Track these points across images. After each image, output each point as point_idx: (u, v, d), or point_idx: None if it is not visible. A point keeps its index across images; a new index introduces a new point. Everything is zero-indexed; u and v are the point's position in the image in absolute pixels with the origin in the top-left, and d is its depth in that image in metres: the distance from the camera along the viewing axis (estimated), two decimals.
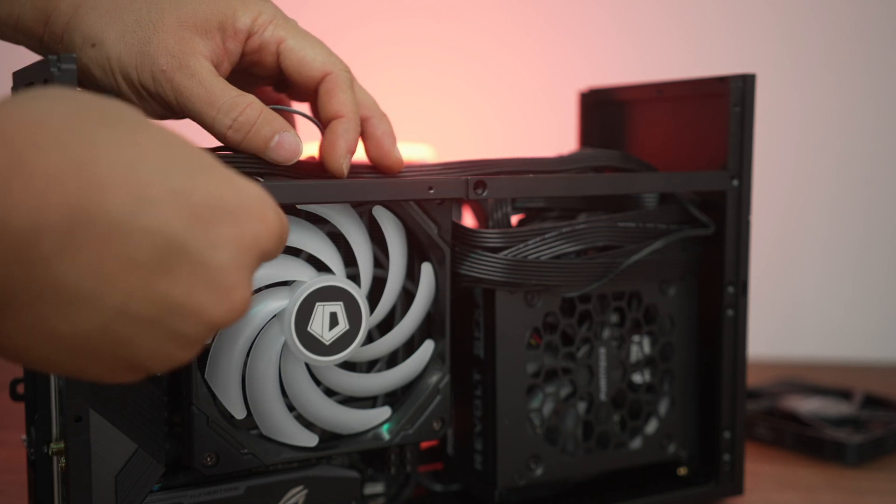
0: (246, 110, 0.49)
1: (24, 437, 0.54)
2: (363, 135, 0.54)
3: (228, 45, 0.51)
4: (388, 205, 0.55)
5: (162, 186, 0.34)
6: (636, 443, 0.64)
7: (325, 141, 0.52)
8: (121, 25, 0.49)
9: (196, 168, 0.35)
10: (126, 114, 0.35)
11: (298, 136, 0.51)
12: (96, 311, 0.33)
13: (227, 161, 0.50)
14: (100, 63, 0.50)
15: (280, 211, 0.39)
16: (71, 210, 0.31)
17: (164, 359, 0.36)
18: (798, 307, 1.14)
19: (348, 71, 0.53)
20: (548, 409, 0.61)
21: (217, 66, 0.51)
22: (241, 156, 0.51)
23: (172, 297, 0.34)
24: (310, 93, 0.54)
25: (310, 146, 0.55)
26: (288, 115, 0.58)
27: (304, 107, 0.60)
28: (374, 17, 1.10)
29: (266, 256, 0.38)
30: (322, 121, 0.53)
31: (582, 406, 0.62)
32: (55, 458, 0.48)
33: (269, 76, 0.55)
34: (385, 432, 0.57)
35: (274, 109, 0.51)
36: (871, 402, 0.86)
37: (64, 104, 0.33)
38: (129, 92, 0.50)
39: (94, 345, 0.34)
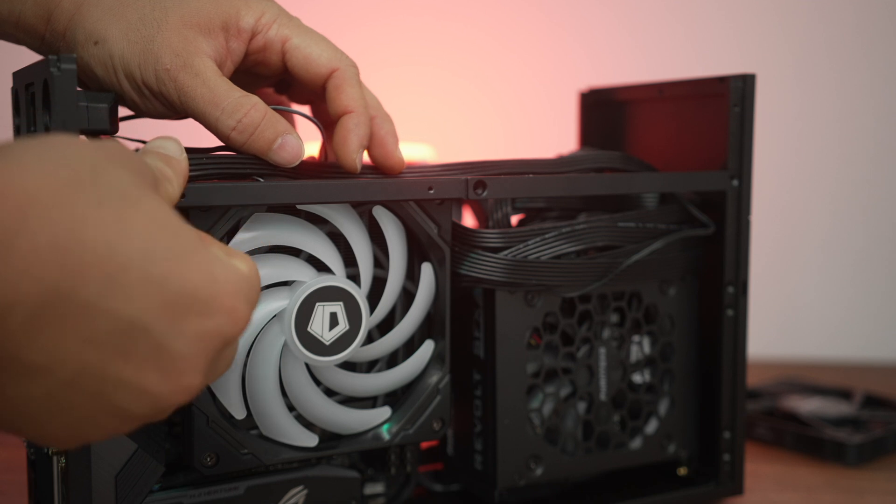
0: (250, 112, 0.49)
1: None
2: None
3: (232, 45, 0.51)
4: (388, 205, 0.55)
5: (138, 271, 0.33)
6: (636, 443, 0.64)
7: (337, 136, 0.52)
8: (124, 23, 0.49)
9: (178, 252, 0.35)
10: (119, 187, 0.34)
11: (301, 139, 0.51)
12: (46, 380, 0.33)
13: (229, 161, 0.50)
14: (102, 61, 0.49)
15: (254, 294, 0.39)
16: (45, 290, 0.31)
17: (103, 429, 0.36)
18: (798, 307, 1.14)
19: (355, 66, 0.53)
20: (548, 409, 0.61)
21: (220, 66, 0.51)
22: (242, 157, 0.51)
23: (122, 375, 0.34)
24: (316, 91, 0.54)
25: (310, 146, 0.55)
26: (288, 116, 0.58)
27: (304, 108, 0.60)
28: (373, 17, 1.10)
29: (228, 344, 0.38)
30: (332, 116, 0.53)
31: (582, 406, 0.62)
32: (55, 458, 0.48)
33: (272, 76, 0.55)
34: (385, 432, 0.57)
35: (274, 110, 0.51)
36: (871, 402, 0.86)
37: (62, 171, 0.33)
38: (131, 90, 0.50)
39: (36, 408, 0.34)
